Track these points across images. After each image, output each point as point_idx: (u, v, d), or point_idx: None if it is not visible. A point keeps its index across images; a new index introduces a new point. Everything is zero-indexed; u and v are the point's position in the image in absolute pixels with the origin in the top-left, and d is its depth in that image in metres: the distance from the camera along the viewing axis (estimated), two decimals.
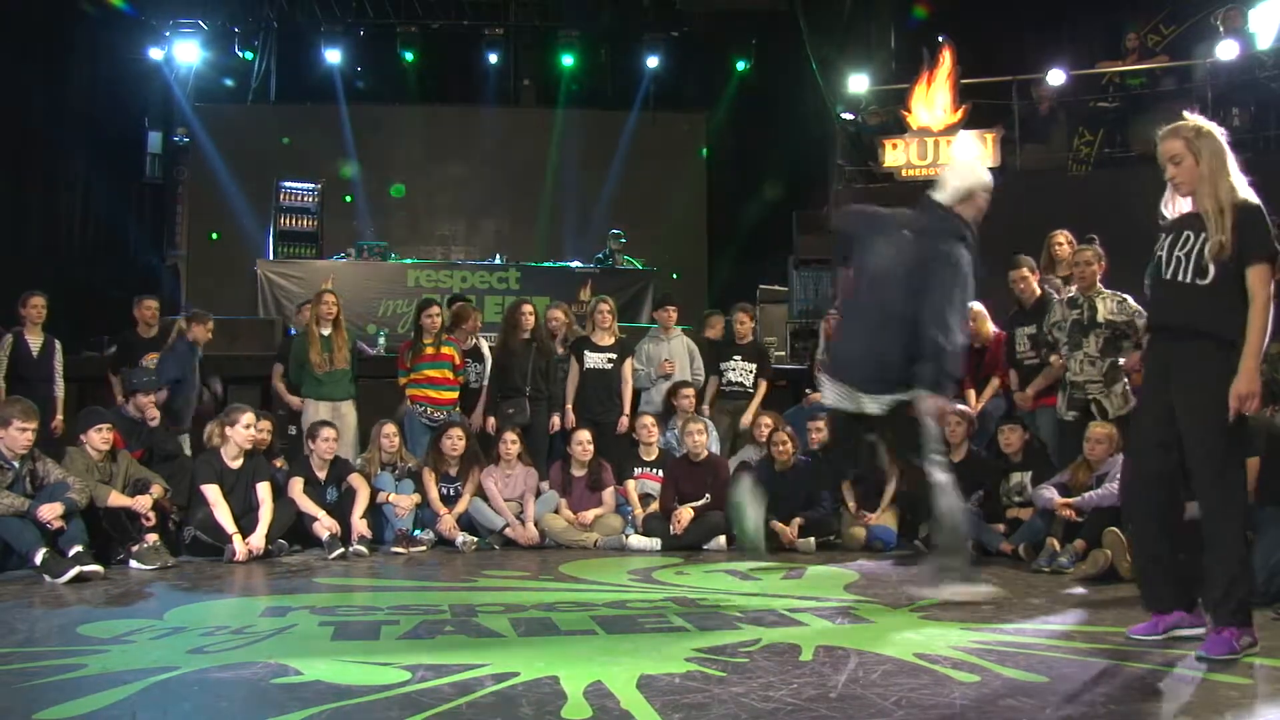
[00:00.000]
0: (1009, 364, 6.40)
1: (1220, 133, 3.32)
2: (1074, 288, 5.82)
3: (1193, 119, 3.37)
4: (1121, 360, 5.57)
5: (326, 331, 7.01)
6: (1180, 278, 3.29)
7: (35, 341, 6.83)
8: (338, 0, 13.26)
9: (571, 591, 4.71)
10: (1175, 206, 3.42)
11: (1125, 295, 5.57)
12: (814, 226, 10.88)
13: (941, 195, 4.26)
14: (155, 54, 12.97)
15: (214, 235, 13.28)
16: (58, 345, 6.92)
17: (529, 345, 7.02)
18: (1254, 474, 4.07)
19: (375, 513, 6.25)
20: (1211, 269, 3.22)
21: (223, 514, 5.67)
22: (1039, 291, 6.21)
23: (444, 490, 6.37)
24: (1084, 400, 5.60)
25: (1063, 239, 6.51)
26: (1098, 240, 5.98)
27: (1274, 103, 8.79)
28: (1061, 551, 5.09)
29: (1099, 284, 5.67)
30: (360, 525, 5.96)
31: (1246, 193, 3.24)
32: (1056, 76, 9.62)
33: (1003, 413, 6.34)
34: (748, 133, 13.80)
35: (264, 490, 5.88)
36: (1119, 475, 5.08)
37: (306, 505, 5.99)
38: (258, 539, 5.65)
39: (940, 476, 4.19)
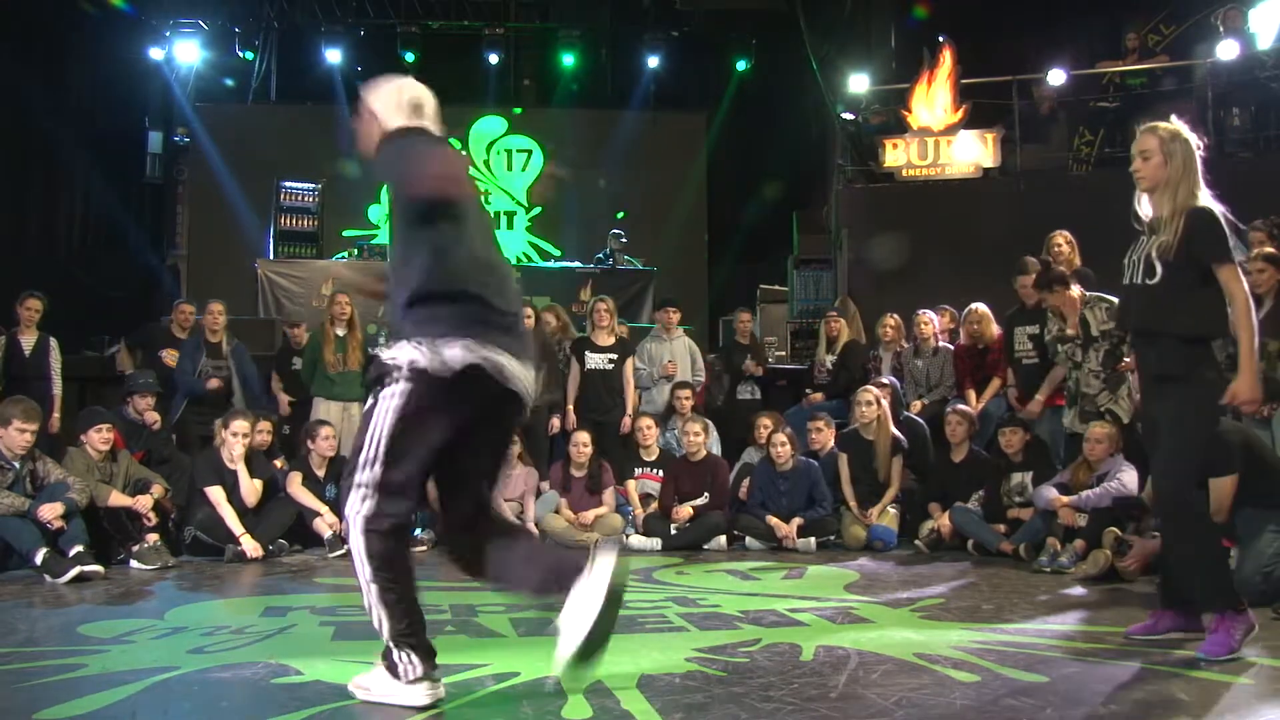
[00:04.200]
0: (1007, 363, 6.39)
1: (1196, 143, 3.35)
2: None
3: (1175, 123, 3.40)
4: (1125, 360, 5.56)
5: (341, 332, 7.06)
6: (1134, 279, 3.37)
7: (29, 341, 6.84)
8: (338, 0, 13.26)
9: None
10: (1142, 206, 3.44)
11: (1112, 300, 5.56)
12: (814, 226, 10.87)
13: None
14: (155, 54, 12.95)
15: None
16: (53, 343, 6.92)
17: None
18: (1228, 492, 4.02)
19: None
20: (1158, 268, 3.27)
21: (228, 514, 5.68)
22: None
23: None
24: (1096, 412, 5.59)
25: (1061, 240, 6.50)
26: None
27: (1274, 103, 8.77)
28: (1061, 551, 5.09)
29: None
30: None
31: (1205, 200, 3.27)
32: (1056, 76, 9.61)
33: (1004, 413, 6.34)
34: (748, 133, 13.79)
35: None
36: (1120, 474, 5.14)
37: (307, 500, 6.00)
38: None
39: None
